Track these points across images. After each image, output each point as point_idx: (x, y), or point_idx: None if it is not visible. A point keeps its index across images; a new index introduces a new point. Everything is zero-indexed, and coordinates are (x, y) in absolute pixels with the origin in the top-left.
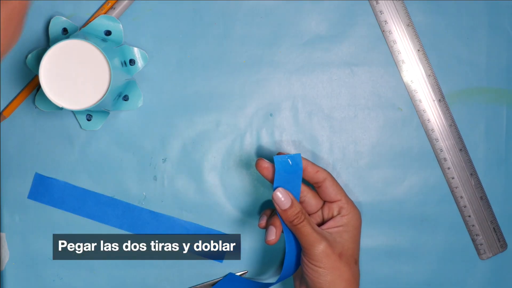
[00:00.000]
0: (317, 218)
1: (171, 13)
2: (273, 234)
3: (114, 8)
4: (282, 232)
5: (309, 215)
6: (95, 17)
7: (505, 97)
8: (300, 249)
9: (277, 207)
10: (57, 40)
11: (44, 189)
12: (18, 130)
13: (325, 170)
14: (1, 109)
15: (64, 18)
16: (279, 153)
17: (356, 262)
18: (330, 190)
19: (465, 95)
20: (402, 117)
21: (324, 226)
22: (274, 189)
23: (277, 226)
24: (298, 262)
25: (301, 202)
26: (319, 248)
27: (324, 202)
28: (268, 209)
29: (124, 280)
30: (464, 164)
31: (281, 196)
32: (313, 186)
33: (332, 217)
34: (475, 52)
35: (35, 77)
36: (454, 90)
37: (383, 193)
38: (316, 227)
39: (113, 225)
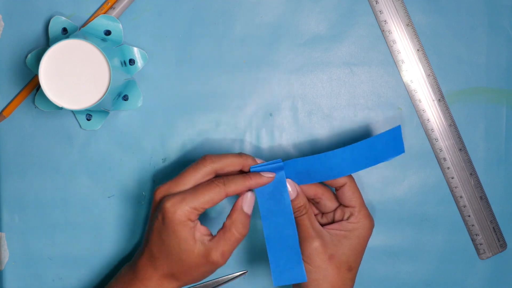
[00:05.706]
0: (328, 217)
1: (170, 13)
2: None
3: (113, 8)
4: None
5: (321, 213)
6: (95, 17)
7: (505, 97)
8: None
9: None
10: (57, 40)
11: None
12: (17, 130)
13: (347, 175)
14: (1, 109)
15: (64, 18)
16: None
17: (350, 269)
18: (346, 195)
19: (464, 95)
20: (402, 117)
21: (328, 226)
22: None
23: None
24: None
25: (316, 203)
26: (311, 245)
27: (339, 205)
28: None
29: None
30: (464, 164)
31: (289, 187)
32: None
33: (340, 221)
34: (475, 52)
35: (35, 77)
36: (453, 90)
37: (382, 193)
38: (316, 224)
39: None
